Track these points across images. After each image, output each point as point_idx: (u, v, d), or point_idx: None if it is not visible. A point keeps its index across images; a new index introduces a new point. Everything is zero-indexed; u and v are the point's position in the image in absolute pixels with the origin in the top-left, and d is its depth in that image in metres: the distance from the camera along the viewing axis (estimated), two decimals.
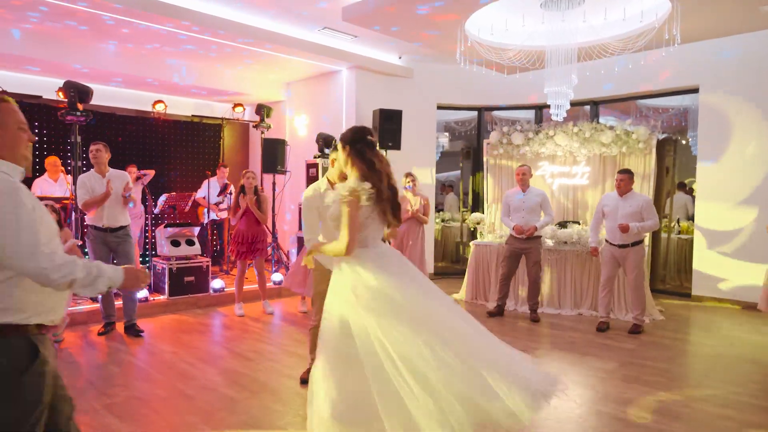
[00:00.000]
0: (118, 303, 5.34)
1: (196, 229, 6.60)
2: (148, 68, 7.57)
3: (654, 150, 7.47)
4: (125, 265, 1.94)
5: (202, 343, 4.92)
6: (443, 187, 10.66)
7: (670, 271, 8.74)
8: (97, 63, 7.13)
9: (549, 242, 6.61)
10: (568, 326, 5.78)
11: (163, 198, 6.94)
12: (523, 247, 6.13)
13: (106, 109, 7.93)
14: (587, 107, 8.66)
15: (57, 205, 4.92)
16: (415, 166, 8.48)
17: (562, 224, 7.22)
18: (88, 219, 5.11)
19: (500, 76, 8.40)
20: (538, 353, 4.75)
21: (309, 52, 7.37)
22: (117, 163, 7.79)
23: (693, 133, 8.02)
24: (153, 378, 3.96)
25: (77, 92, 5.85)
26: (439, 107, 9.00)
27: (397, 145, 7.96)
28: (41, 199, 6.21)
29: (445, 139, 11.68)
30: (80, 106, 5.85)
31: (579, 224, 6.95)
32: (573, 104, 8.83)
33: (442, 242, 10.58)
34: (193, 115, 8.78)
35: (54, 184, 7.06)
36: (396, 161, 8.04)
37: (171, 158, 8.58)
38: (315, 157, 8.10)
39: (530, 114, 9.28)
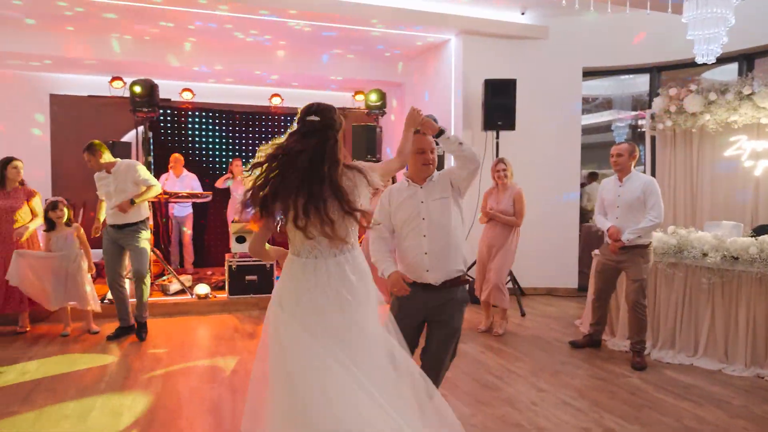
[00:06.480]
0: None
1: None
2: (260, 62, 7.49)
3: None
4: None
5: None
6: (588, 176, 8.27)
7: None
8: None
9: (709, 257, 4.26)
10: (715, 395, 3.53)
11: None
12: (618, 260, 4.14)
13: (225, 107, 8.17)
14: None
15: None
16: (546, 154, 6.63)
17: (762, 229, 4.66)
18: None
19: (675, 19, 5.94)
20: None
21: (399, 20, 6.29)
22: (230, 157, 8.03)
23: None
24: None
25: (149, 88, 5.97)
26: (586, 73, 6.87)
27: (510, 124, 6.30)
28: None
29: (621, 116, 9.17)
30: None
31: None
32: None
33: None
34: None
35: (176, 179, 7.51)
36: (509, 146, 6.45)
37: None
38: None
39: (733, 68, 6.40)
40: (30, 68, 7.39)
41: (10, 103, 7.54)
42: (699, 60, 4.00)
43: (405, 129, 2.66)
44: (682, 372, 4.02)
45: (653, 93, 6.88)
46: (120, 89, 6.86)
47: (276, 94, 8.15)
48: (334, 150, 2.15)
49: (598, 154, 9.74)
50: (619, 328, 4.73)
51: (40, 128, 7.74)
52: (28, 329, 4.98)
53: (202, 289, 5.90)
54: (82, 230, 4.84)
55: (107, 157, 4.76)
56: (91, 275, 4.92)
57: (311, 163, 2.10)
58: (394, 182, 5.46)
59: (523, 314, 5.74)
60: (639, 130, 8.44)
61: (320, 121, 2.18)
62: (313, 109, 2.22)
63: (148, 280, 4.90)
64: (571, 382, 3.78)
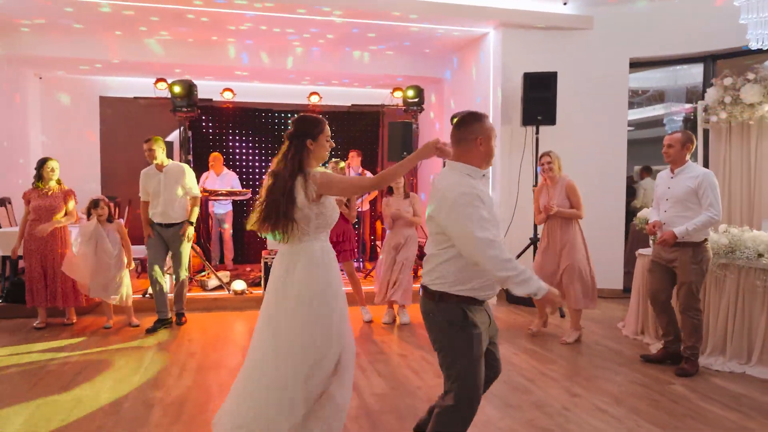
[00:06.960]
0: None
1: None
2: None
3: None
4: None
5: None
6: (642, 171, 7.85)
7: None
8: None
9: (765, 258, 3.95)
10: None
11: None
12: (668, 259, 3.88)
13: (265, 106, 8.29)
14: None
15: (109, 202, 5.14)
16: (589, 149, 6.36)
17: None
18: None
19: (729, 3, 5.58)
20: None
21: (437, 15, 6.18)
22: (270, 155, 8.13)
23: None
24: None
25: (187, 87, 6.13)
26: (633, 64, 6.54)
27: (550, 119, 6.08)
28: None
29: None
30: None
31: None
32: None
33: None
34: (352, 105, 8.52)
35: (216, 177, 7.68)
36: (549, 141, 6.15)
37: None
38: None
39: None
40: (80, 72, 7.73)
41: (62, 105, 7.93)
42: (753, 45, 3.71)
43: (413, 157, 2.42)
44: (733, 381, 3.76)
45: (707, 84, 6.48)
46: (164, 90, 7.08)
47: (314, 92, 8.20)
48: (294, 159, 2.49)
49: (649, 149, 9.26)
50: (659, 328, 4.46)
51: (91, 129, 8.09)
52: (74, 321, 5.21)
53: (239, 285, 6.01)
54: (123, 227, 5.01)
55: (164, 155, 4.92)
56: (132, 270, 5.09)
57: (275, 169, 2.55)
58: (402, 185, 5.21)
59: (562, 315, 5.54)
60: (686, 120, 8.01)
61: (290, 131, 2.56)
62: (292, 119, 2.63)
63: (185, 281, 5.10)
64: (608, 387, 3.60)
